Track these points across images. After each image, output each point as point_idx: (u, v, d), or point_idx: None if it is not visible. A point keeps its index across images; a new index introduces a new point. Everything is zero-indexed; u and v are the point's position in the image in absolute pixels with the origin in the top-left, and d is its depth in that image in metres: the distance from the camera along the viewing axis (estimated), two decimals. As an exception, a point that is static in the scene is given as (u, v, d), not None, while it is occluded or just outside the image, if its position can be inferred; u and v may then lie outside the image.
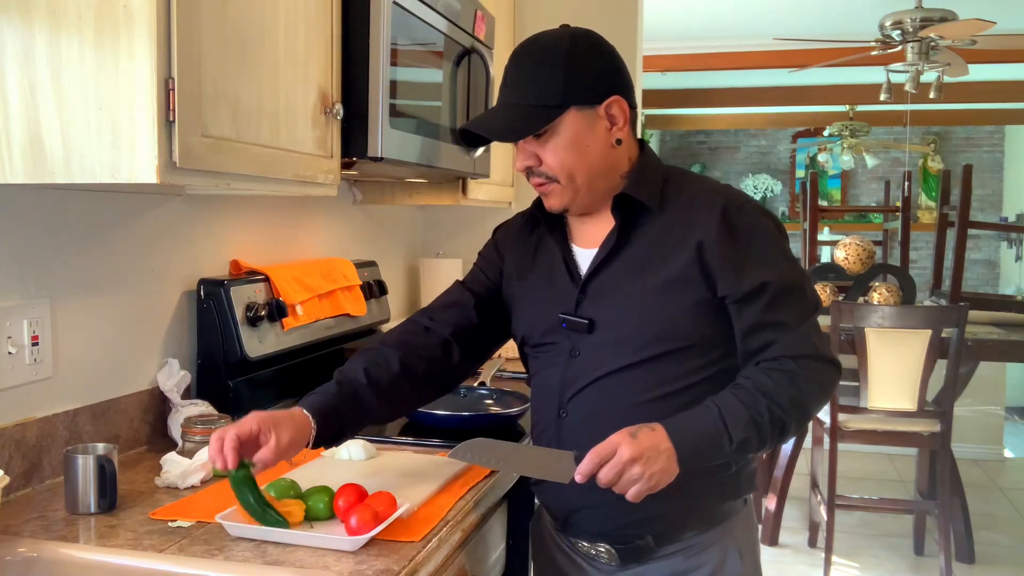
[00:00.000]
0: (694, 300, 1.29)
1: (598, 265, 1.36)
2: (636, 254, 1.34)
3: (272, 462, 1.23)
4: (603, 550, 1.39)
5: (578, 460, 1.19)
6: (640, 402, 1.30)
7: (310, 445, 1.31)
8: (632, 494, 1.18)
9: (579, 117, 1.31)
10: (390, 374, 1.40)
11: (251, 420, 1.24)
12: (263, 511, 1.19)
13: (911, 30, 4.29)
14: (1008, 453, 5.48)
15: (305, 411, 1.31)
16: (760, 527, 4.01)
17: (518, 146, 1.35)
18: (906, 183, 4.55)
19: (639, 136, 1.45)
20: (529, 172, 1.35)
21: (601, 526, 1.37)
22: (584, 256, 1.39)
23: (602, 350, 1.33)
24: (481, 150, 2.12)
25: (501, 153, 2.58)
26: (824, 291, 3.97)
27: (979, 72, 5.61)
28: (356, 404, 1.36)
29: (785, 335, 1.29)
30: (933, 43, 4.34)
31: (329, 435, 1.34)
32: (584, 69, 1.31)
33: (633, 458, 1.16)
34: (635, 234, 1.35)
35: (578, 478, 1.18)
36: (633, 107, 1.36)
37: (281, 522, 1.19)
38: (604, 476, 1.17)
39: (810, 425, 3.89)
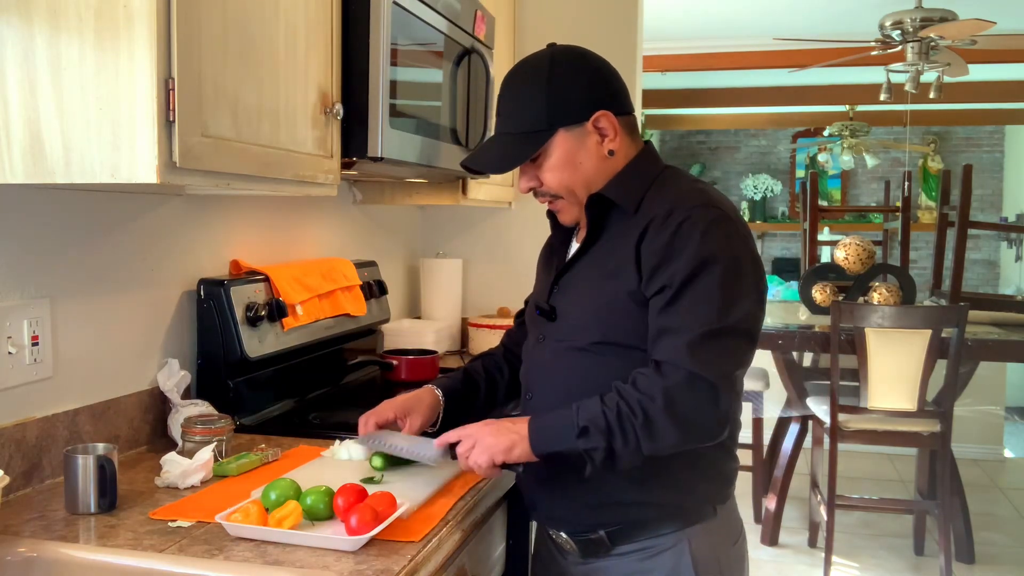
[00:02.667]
0: (628, 290, 1.31)
1: (572, 260, 1.43)
2: (602, 250, 1.38)
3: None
4: (565, 539, 1.43)
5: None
6: (592, 387, 1.31)
7: (437, 424, 1.54)
8: (474, 460, 1.31)
9: (568, 137, 1.35)
10: (501, 372, 1.64)
11: (388, 409, 1.51)
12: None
13: (911, 30, 4.29)
14: (1008, 453, 5.48)
15: (436, 389, 1.56)
16: (760, 527, 4.01)
17: (520, 170, 1.41)
18: (906, 183, 4.55)
19: (644, 138, 1.47)
20: (535, 193, 1.42)
21: (558, 512, 1.42)
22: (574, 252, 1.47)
23: (560, 337, 1.40)
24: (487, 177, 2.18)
25: (501, 153, 2.58)
26: (824, 291, 3.97)
27: (979, 72, 5.61)
28: (475, 393, 1.61)
29: (670, 340, 1.25)
30: (933, 43, 4.34)
31: (450, 415, 1.55)
32: (566, 90, 1.35)
33: (481, 433, 1.32)
34: (607, 232, 1.39)
35: (436, 442, 1.38)
36: (626, 114, 1.39)
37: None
38: (459, 447, 1.34)
39: (810, 425, 3.89)
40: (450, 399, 1.56)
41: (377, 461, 1.47)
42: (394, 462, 1.48)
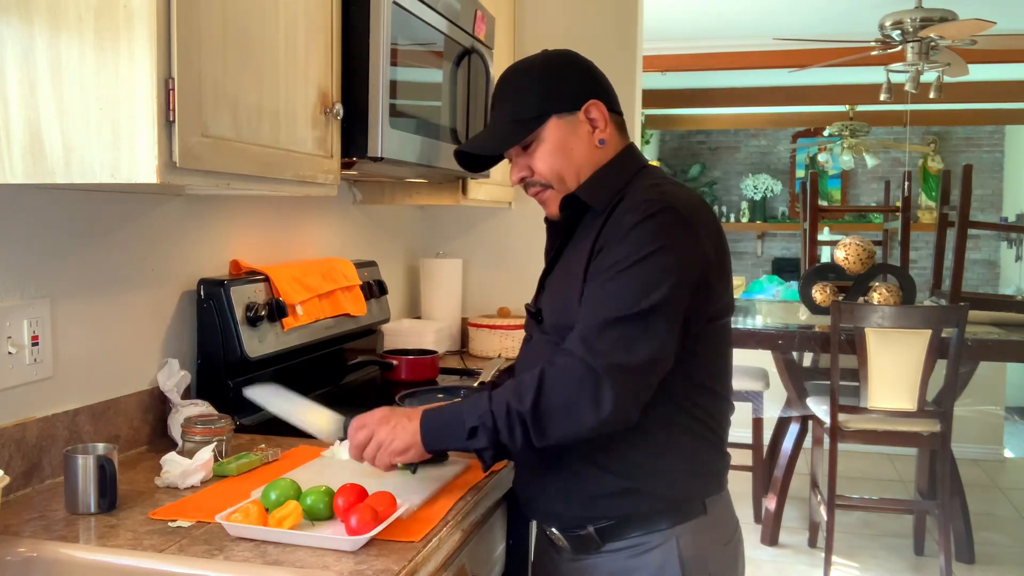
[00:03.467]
0: (579, 293, 1.32)
1: (551, 261, 1.47)
2: (573, 250, 1.41)
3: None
4: (557, 535, 1.44)
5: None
6: None
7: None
8: (368, 458, 1.34)
9: (561, 123, 1.38)
10: None
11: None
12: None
13: (911, 30, 4.29)
14: (1008, 453, 5.48)
15: None
16: (760, 527, 4.01)
17: (512, 161, 1.43)
18: (906, 183, 4.55)
19: (631, 139, 1.50)
20: (525, 184, 1.44)
21: (549, 508, 1.42)
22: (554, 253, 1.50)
23: (542, 337, 1.42)
24: (483, 174, 2.16)
25: (501, 153, 2.58)
26: (824, 291, 3.97)
27: (979, 72, 5.61)
28: None
29: (575, 330, 1.27)
30: (933, 43, 4.34)
31: None
32: (560, 79, 1.40)
33: (378, 426, 1.34)
34: (578, 232, 1.42)
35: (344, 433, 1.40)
36: (615, 111, 1.43)
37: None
38: (354, 436, 1.36)
39: (810, 425, 3.89)
40: None
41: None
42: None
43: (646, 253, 1.25)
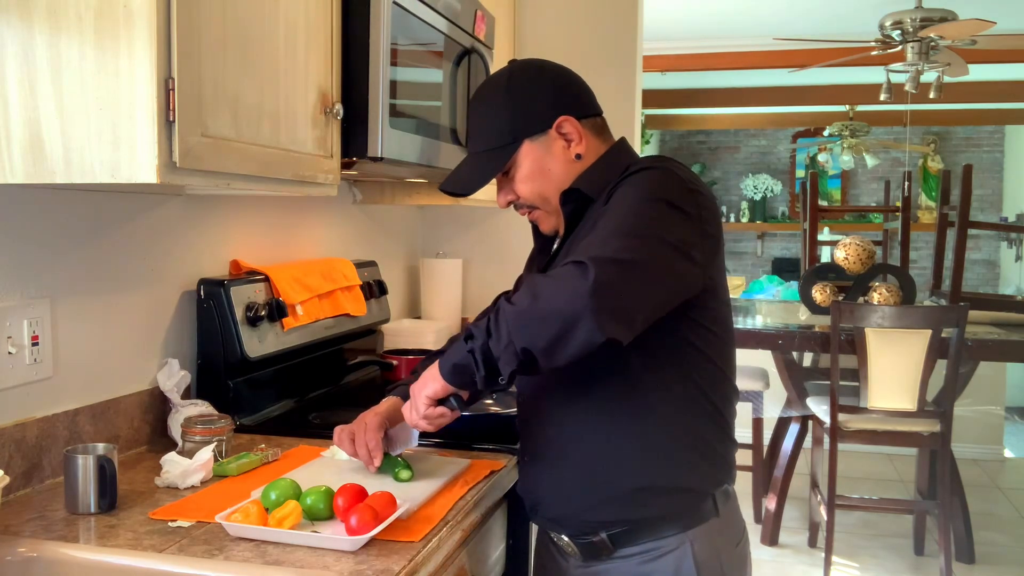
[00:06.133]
0: None
1: (552, 255, 1.46)
2: (575, 239, 1.39)
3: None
4: (566, 542, 1.42)
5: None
6: (572, 381, 1.34)
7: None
8: (413, 416, 1.35)
9: (534, 147, 1.39)
10: None
11: (374, 422, 1.48)
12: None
13: (911, 30, 4.29)
14: (1008, 453, 5.49)
15: (398, 398, 1.53)
16: (760, 527, 4.01)
17: (496, 185, 1.45)
18: (906, 183, 4.55)
19: (630, 137, 1.47)
20: (514, 206, 1.45)
21: (559, 514, 1.41)
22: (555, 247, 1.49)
23: None
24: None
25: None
26: (824, 291, 3.97)
27: (979, 72, 5.61)
28: None
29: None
30: (933, 43, 4.34)
31: None
32: (526, 101, 1.39)
33: (411, 391, 1.35)
34: (581, 224, 1.40)
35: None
36: (591, 116, 1.42)
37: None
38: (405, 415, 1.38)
39: (810, 425, 3.89)
40: None
41: (404, 474, 1.45)
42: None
43: (653, 191, 1.25)
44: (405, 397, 1.45)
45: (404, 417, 1.39)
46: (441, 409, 1.34)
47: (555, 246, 1.48)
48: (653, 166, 1.31)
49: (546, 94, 1.39)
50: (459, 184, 1.44)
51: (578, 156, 1.39)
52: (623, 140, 1.47)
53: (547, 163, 1.39)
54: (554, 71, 1.42)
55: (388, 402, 1.54)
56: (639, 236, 1.19)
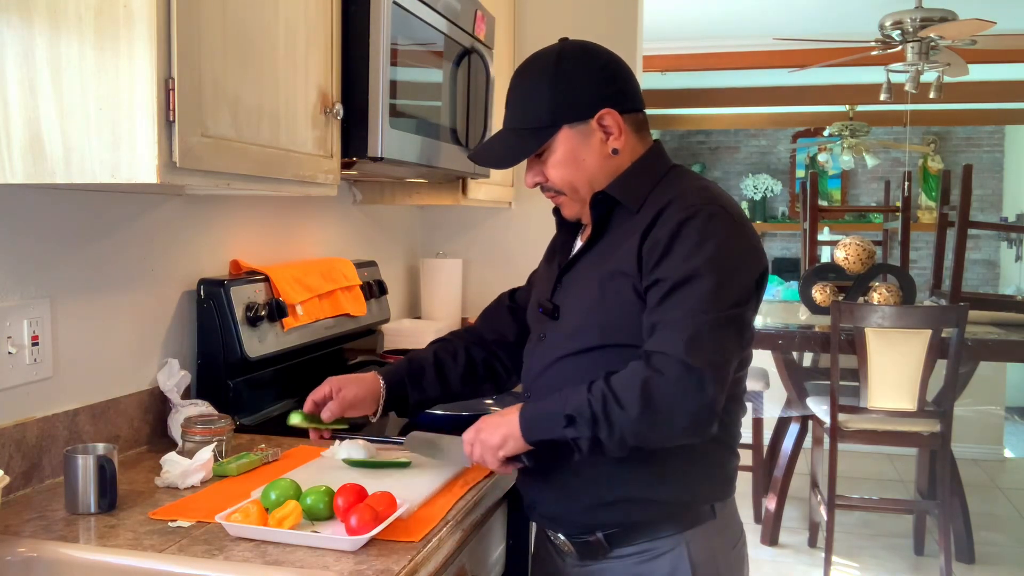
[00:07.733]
0: (629, 289, 1.30)
1: (575, 257, 1.43)
2: (605, 248, 1.38)
3: (338, 412, 1.50)
4: (563, 541, 1.43)
5: None
6: (571, 387, 1.32)
7: (379, 409, 1.54)
8: (480, 462, 1.36)
9: (572, 134, 1.36)
10: (455, 358, 1.60)
11: (324, 384, 1.53)
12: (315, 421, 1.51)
13: (911, 30, 4.29)
14: (1008, 453, 5.48)
15: (380, 377, 1.55)
16: (760, 527, 4.01)
17: (526, 164, 1.41)
18: (906, 183, 4.55)
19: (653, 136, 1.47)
20: (541, 187, 1.43)
21: (556, 513, 1.41)
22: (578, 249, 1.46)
23: (561, 336, 1.39)
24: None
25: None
26: (824, 291, 3.97)
27: (979, 72, 5.61)
28: (418, 380, 1.57)
29: (662, 332, 1.24)
30: (933, 43, 4.34)
31: (398, 403, 1.56)
32: (572, 87, 1.35)
33: (481, 432, 1.34)
34: (610, 231, 1.38)
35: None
36: (634, 111, 1.39)
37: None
38: (469, 451, 1.37)
39: (810, 425, 3.89)
40: (394, 386, 1.56)
41: (295, 418, 1.50)
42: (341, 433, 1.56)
43: (723, 258, 1.25)
44: (388, 378, 1.55)
45: (473, 457, 1.37)
46: (514, 465, 1.36)
47: (579, 246, 1.45)
48: (714, 215, 1.28)
49: (593, 83, 1.35)
50: (491, 158, 1.42)
51: (615, 151, 1.36)
52: (659, 144, 1.44)
53: (582, 153, 1.36)
54: (604, 58, 1.38)
55: (370, 378, 1.55)
56: (722, 327, 1.24)
